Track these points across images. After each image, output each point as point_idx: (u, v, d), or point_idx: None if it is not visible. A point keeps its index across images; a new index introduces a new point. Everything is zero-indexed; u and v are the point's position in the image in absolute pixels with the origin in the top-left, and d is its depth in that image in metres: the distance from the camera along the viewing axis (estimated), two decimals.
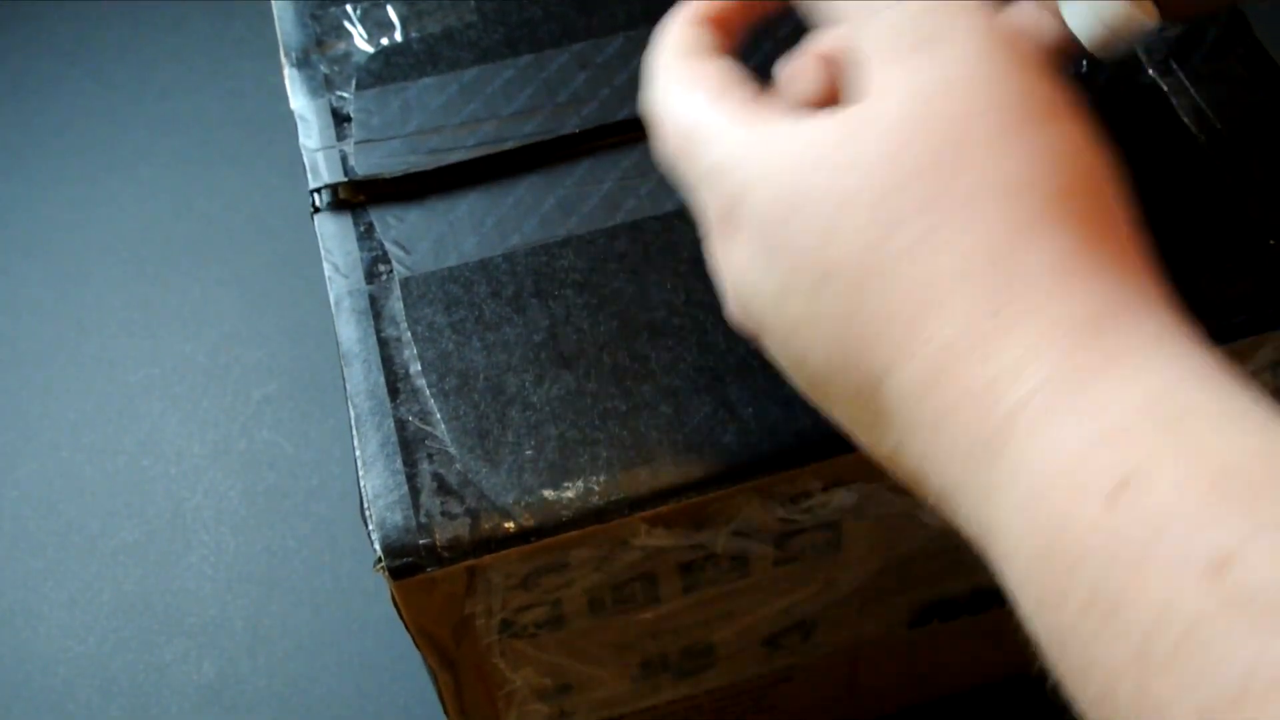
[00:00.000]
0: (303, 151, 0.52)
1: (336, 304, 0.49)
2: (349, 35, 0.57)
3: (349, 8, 0.58)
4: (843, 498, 0.47)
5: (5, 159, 1.02)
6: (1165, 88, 0.53)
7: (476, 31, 0.56)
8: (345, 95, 0.54)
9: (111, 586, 0.82)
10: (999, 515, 0.29)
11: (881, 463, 0.35)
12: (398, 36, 0.56)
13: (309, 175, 0.52)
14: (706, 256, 0.38)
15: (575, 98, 0.54)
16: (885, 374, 0.32)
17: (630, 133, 0.53)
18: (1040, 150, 0.32)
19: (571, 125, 0.53)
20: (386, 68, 0.55)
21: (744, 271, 0.35)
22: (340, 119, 0.53)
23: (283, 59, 0.55)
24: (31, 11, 1.11)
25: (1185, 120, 0.52)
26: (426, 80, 0.55)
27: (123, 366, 0.91)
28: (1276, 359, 0.49)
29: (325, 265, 0.50)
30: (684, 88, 0.38)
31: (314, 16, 0.57)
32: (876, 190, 0.32)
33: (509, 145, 0.52)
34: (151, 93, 1.05)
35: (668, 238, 0.49)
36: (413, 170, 0.52)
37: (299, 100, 0.54)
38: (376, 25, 0.57)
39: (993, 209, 0.31)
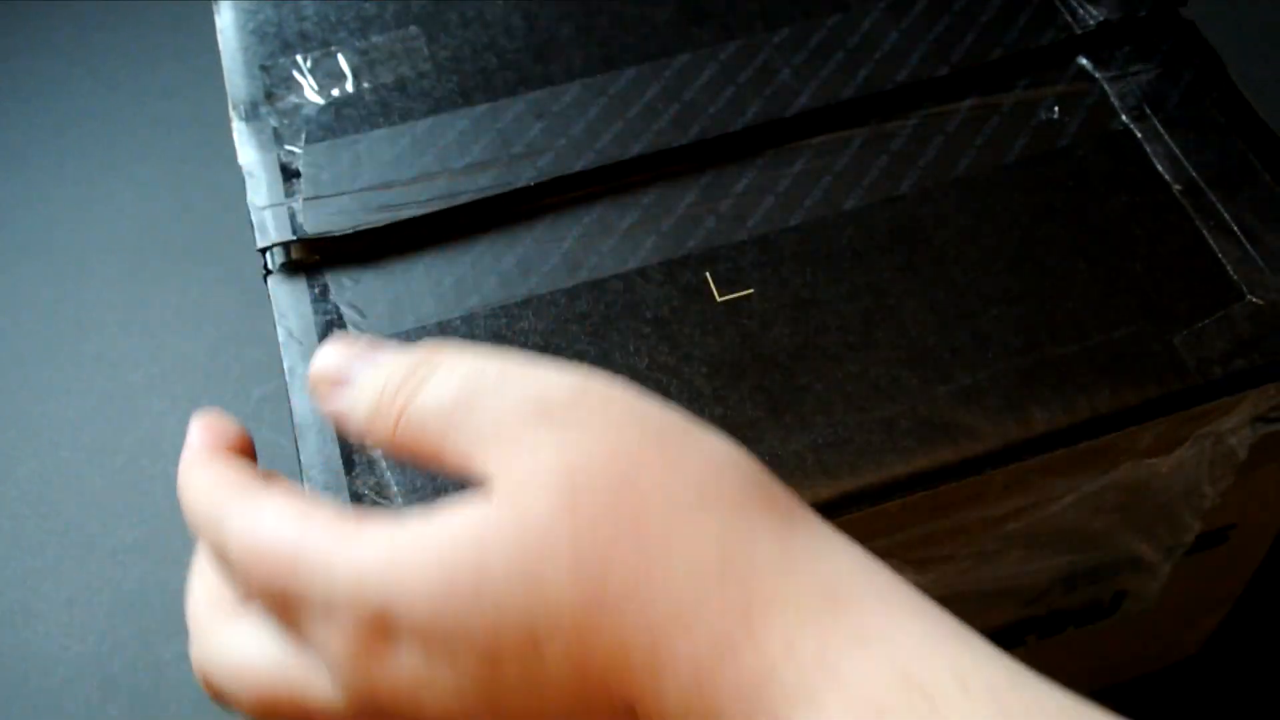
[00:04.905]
0: (250, 210, 0.49)
1: (290, 372, 0.46)
2: (299, 86, 0.54)
3: (299, 58, 0.55)
4: None
5: (5, 159, 1.01)
6: (1139, 134, 0.50)
7: (430, 81, 0.53)
8: (294, 149, 0.51)
9: (110, 586, 0.80)
10: None
11: None
12: (349, 87, 0.53)
13: (256, 234, 0.49)
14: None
15: (530, 149, 0.51)
16: (641, 696, 0.30)
17: (588, 186, 0.50)
18: (701, 462, 0.32)
19: (527, 178, 0.50)
20: (337, 120, 0.52)
21: (412, 684, 0.31)
22: (289, 174, 0.50)
23: (230, 112, 0.52)
24: (31, 11, 1.09)
25: (1159, 168, 0.49)
26: (378, 132, 0.52)
27: (123, 366, 0.90)
28: (1256, 414, 0.46)
29: (279, 330, 0.47)
30: (262, 519, 0.33)
31: (263, 67, 0.55)
32: (563, 542, 0.30)
33: (463, 200, 0.49)
34: (151, 93, 1.04)
35: (630, 297, 0.46)
36: (363, 228, 0.49)
37: (247, 155, 0.51)
38: (327, 75, 0.54)
39: (694, 525, 0.30)
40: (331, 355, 0.35)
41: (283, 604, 0.32)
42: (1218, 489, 0.50)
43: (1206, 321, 0.45)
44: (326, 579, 0.31)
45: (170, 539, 0.81)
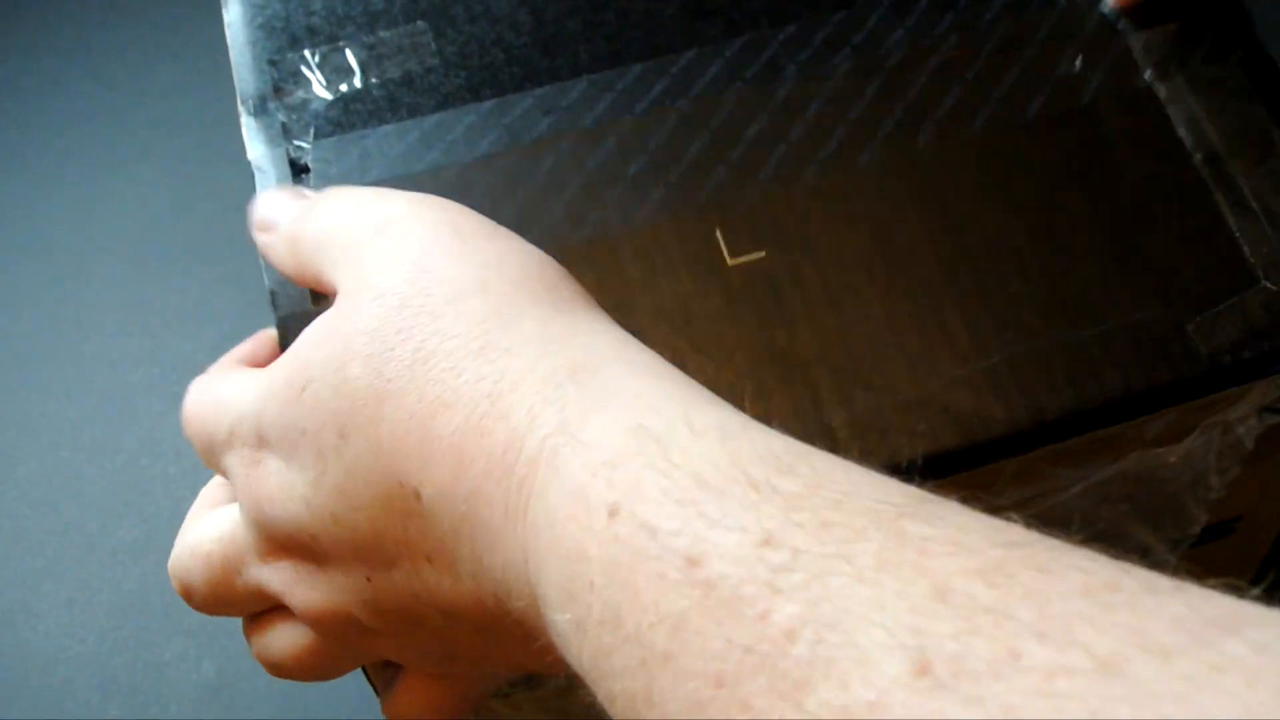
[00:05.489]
0: None
1: (283, 324, 0.45)
2: (307, 82, 0.53)
3: (307, 53, 0.54)
4: None
5: (5, 159, 1.00)
6: (1161, 94, 0.49)
7: (438, 76, 0.53)
8: (303, 144, 0.51)
9: (111, 586, 0.80)
10: (541, 571, 0.30)
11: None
12: (357, 82, 0.53)
13: None
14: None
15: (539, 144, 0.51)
16: (420, 481, 0.32)
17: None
18: (485, 259, 0.35)
19: None
20: (345, 115, 0.52)
21: (278, 488, 0.35)
22: (298, 169, 0.50)
23: (239, 107, 0.52)
24: (31, 11, 1.08)
25: (1180, 133, 0.48)
26: (386, 127, 0.52)
27: (123, 366, 0.89)
28: (1264, 403, 0.46)
29: (268, 281, 0.46)
30: (208, 383, 0.39)
31: (271, 63, 0.54)
32: (362, 336, 0.34)
33: None
34: (151, 93, 1.03)
35: None
36: None
37: (256, 150, 0.51)
38: (335, 71, 0.54)
39: (465, 310, 0.33)
40: (266, 200, 0.41)
41: (209, 447, 0.37)
42: (1224, 480, 0.49)
43: (1220, 307, 0.45)
44: (228, 417, 0.36)
45: (170, 539, 0.80)
